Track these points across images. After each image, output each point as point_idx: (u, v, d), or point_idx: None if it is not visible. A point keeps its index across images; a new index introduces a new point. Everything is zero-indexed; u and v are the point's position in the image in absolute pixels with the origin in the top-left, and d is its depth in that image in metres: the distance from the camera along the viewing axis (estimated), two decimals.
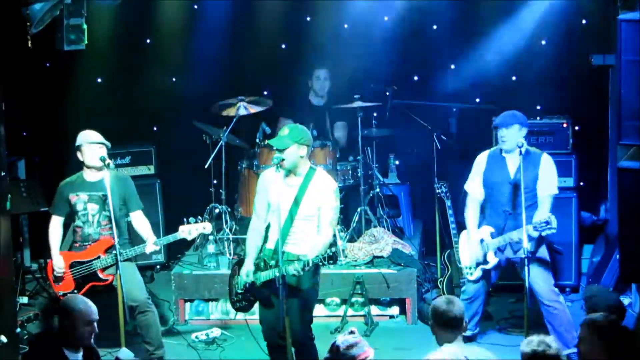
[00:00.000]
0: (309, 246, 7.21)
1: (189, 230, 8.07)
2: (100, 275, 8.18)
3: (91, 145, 8.14)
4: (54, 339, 6.54)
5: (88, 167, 8.23)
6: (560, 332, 7.99)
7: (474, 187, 8.42)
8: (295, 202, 7.25)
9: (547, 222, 7.71)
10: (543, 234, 7.82)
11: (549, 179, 8.11)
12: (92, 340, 6.53)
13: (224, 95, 10.10)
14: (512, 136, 8.10)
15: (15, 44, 8.92)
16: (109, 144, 8.22)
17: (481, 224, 8.36)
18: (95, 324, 6.49)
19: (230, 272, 7.76)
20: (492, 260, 8.23)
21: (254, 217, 7.61)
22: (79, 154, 8.24)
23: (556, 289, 8.19)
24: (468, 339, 7.03)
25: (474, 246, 8.30)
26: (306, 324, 7.40)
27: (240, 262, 7.62)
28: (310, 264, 7.00)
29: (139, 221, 8.33)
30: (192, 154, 10.55)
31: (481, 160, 8.41)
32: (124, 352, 6.68)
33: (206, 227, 8.14)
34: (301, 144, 7.21)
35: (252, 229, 7.56)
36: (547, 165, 8.13)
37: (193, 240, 9.98)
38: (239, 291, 7.55)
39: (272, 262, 7.25)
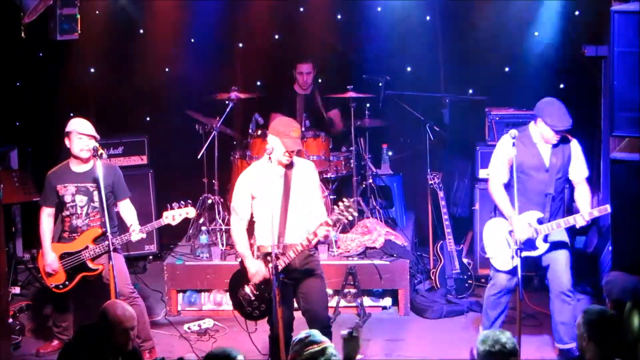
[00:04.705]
0: (314, 225, 7.10)
1: (172, 216, 7.98)
2: (90, 265, 8.12)
3: (82, 136, 8.02)
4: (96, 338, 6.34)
5: (74, 157, 8.14)
6: (570, 324, 7.72)
7: (502, 172, 7.83)
8: (286, 189, 7.22)
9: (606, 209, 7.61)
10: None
11: (583, 162, 7.89)
12: (131, 346, 6.41)
13: (218, 85, 10.11)
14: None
15: (8, 34, 8.92)
16: (98, 136, 8.07)
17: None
18: (132, 331, 6.39)
19: (230, 287, 7.55)
20: (543, 247, 7.75)
21: (237, 219, 7.40)
22: (66, 141, 8.09)
23: None
24: None
25: (521, 229, 7.65)
26: (327, 305, 7.52)
27: (237, 275, 7.46)
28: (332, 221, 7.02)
29: (126, 209, 8.24)
30: (185, 144, 10.51)
31: (508, 145, 7.69)
32: (191, 357, 6.57)
33: (189, 211, 8.01)
34: None
35: (240, 230, 7.40)
36: (578, 148, 7.89)
37: (185, 231, 10.00)
38: (253, 298, 7.35)
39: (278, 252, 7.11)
